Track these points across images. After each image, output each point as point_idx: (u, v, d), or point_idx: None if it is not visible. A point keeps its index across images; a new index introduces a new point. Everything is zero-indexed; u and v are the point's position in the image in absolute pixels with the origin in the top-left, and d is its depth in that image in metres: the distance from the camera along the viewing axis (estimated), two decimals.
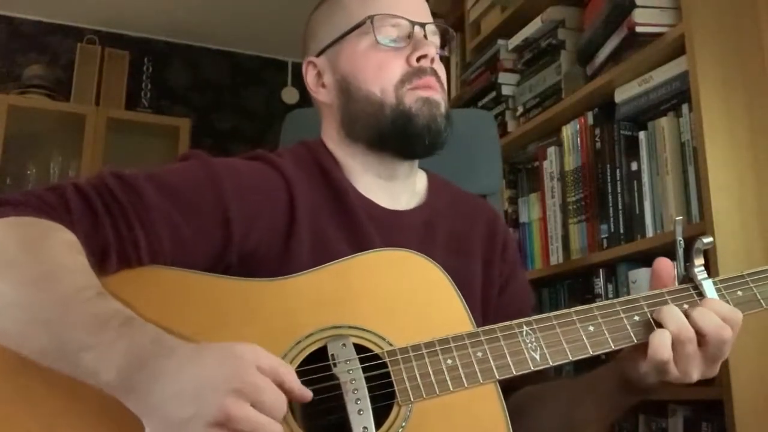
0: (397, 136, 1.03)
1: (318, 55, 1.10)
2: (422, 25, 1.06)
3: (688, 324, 0.86)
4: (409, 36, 1.05)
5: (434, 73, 1.05)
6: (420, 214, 1.09)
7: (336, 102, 1.08)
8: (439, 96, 1.05)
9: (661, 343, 0.86)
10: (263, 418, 0.69)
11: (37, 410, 0.75)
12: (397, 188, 1.09)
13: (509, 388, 0.94)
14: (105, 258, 0.82)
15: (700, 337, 0.86)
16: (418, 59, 1.04)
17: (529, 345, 0.87)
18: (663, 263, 0.94)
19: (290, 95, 3.96)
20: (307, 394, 0.75)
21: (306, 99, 4.03)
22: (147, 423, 0.71)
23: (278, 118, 1.46)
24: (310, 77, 1.11)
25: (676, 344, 0.86)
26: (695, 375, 0.87)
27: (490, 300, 1.09)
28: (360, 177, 1.07)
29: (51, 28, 3.64)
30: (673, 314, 0.87)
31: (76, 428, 0.74)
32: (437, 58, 1.07)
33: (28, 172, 3.33)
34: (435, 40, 1.08)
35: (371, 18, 1.04)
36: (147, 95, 3.63)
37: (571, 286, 1.93)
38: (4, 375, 0.76)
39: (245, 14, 3.55)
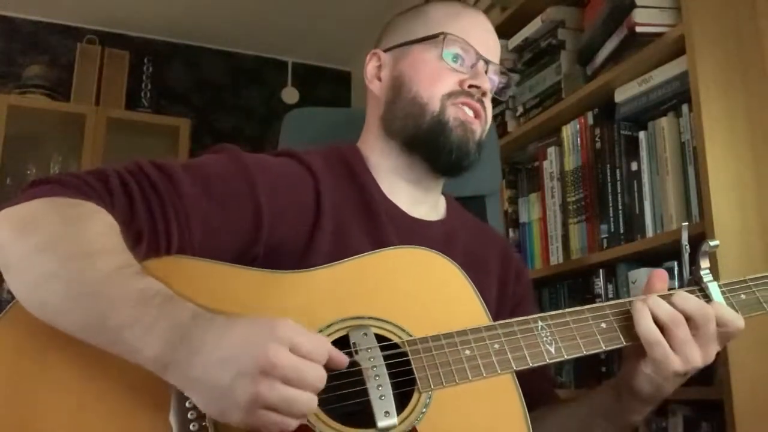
0: (428, 143, 1.08)
1: (386, 51, 1.16)
2: (487, 62, 1.11)
3: (675, 310, 0.90)
4: (473, 66, 1.10)
5: (481, 102, 1.10)
6: (440, 227, 1.14)
7: (384, 96, 1.14)
8: (477, 126, 1.10)
9: (648, 326, 0.89)
10: (304, 360, 0.71)
11: (61, 390, 0.75)
12: (419, 196, 1.14)
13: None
14: (137, 244, 0.84)
15: (688, 320, 0.90)
16: (470, 86, 1.09)
17: (545, 338, 0.90)
18: (658, 275, 0.96)
19: (290, 95, 3.96)
20: (344, 359, 0.78)
21: (306, 99, 4.05)
22: (192, 395, 0.72)
23: (278, 118, 1.46)
24: (370, 66, 1.17)
25: (671, 328, 0.89)
26: (696, 357, 0.89)
27: (503, 318, 1.11)
28: (388, 178, 1.11)
29: (51, 28, 3.64)
30: (659, 302, 0.91)
31: (102, 408, 0.75)
32: (489, 95, 1.12)
33: (28, 172, 3.33)
34: (495, 79, 1.14)
35: (445, 35, 1.09)
36: (147, 95, 3.63)
37: (571, 286, 1.93)
38: (30, 354, 0.76)
39: (245, 14, 3.55)
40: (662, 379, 0.91)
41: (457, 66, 1.10)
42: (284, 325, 0.72)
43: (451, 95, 1.08)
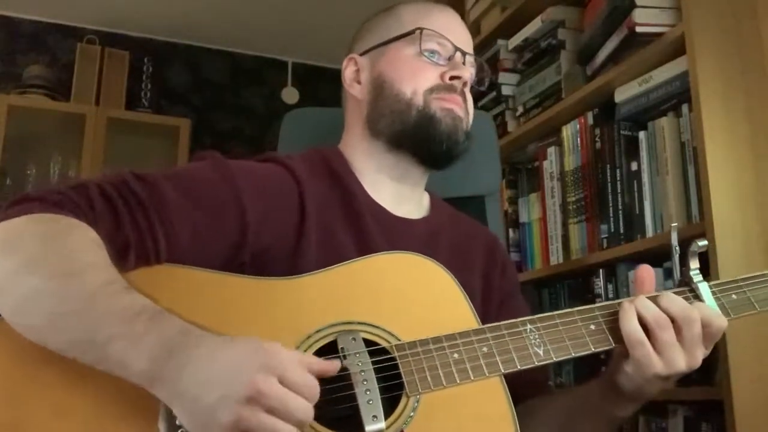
0: (417, 137, 1.09)
1: (362, 54, 1.17)
2: (464, 53, 1.13)
3: (660, 311, 0.89)
4: (450, 58, 1.12)
5: (462, 94, 1.11)
6: (424, 224, 1.14)
7: (366, 97, 1.14)
8: (462, 113, 1.11)
9: (631, 326, 0.88)
10: (292, 393, 0.71)
11: (50, 401, 0.75)
12: (405, 193, 1.14)
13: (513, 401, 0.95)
14: (125, 256, 0.84)
15: (673, 322, 0.89)
16: (451, 78, 1.10)
17: (533, 341, 0.90)
18: (645, 271, 0.96)
19: (290, 95, 3.96)
20: (334, 365, 0.78)
21: (306, 99, 4.04)
22: (177, 410, 0.72)
23: (278, 118, 1.47)
24: (348, 72, 1.18)
25: (655, 330, 0.88)
26: (680, 361, 0.88)
27: (490, 313, 1.11)
28: (372, 177, 1.11)
29: (51, 28, 3.64)
30: (645, 304, 0.90)
31: (93, 416, 0.75)
32: (469, 85, 1.14)
33: (28, 172, 3.33)
34: (472, 71, 1.16)
35: (421, 30, 1.11)
36: (147, 95, 3.63)
37: (571, 286, 1.93)
38: (22, 363, 0.76)
39: (245, 14, 3.55)
40: (642, 379, 0.90)
41: (436, 60, 1.11)
42: (277, 354, 0.72)
43: (433, 90, 1.09)
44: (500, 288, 1.17)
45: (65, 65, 3.57)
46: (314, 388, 0.74)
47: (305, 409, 0.72)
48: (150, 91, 3.64)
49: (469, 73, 1.13)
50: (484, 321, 1.08)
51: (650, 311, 0.89)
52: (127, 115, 3.49)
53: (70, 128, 3.38)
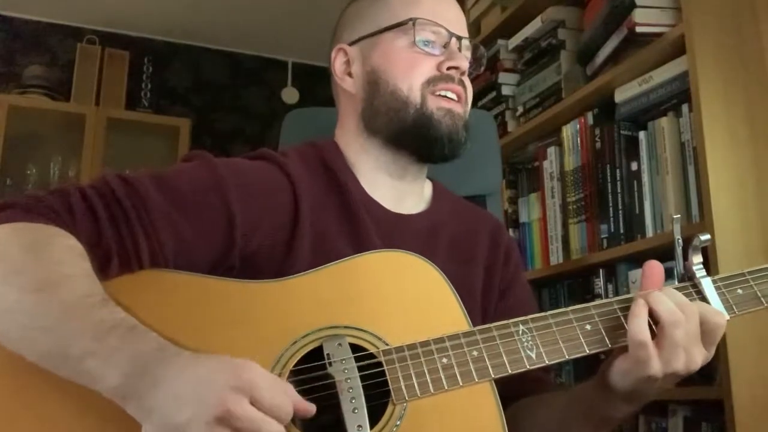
0: (416, 137, 1.05)
1: (351, 44, 1.12)
2: (459, 39, 1.08)
3: (676, 307, 0.85)
4: (445, 46, 1.07)
5: (461, 83, 1.08)
6: (424, 219, 1.10)
7: (360, 93, 1.10)
8: (461, 109, 1.07)
9: (638, 324, 0.84)
10: (262, 415, 0.70)
11: (36, 411, 0.75)
12: (404, 188, 1.10)
13: (509, 398, 0.93)
14: (107, 262, 0.82)
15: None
16: (449, 68, 1.06)
17: (525, 344, 0.86)
18: (653, 266, 0.92)
19: (290, 95, 3.96)
20: (311, 408, 0.76)
21: (306, 99, 4.04)
22: (147, 426, 0.71)
23: (278, 118, 1.47)
24: (338, 64, 1.14)
25: (667, 327, 0.84)
26: (678, 362, 0.84)
27: (491, 306, 1.09)
28: (369, 174, 1.08)
29: (51, 28, 3.64)
30: (662, 298, 0.86)
31: (78, 427, 0.74)
32: (467, 73, 1.10)
33: (28, 172, 3.33)
34: (468, 55, 1.12)
35: (414, 20, 1.06)
36: (147, 95, 3.63)
37: (571, 286, 1.93)
38: (8, 374, 0.76)
39: (245, 14, 3.55)
40: (636, 379, 0.86)
41: (431, 50, 1.06)
42: (249, 373, 0.71)
43: (430, 82, 1.05)
44: (502, 279, 1.13)
45: (65, 65, 3.57)
46: (286, 408, 0.72)
47: (276, 431, 0.71)
48: (150, 91, 3.64)
49: (466, 61, 1.08)
50: (484, 313, 1.06)
51: (666, 306, 0.85)
52: (127, 115, 3.50)
53: (70, 128, 3.38)
